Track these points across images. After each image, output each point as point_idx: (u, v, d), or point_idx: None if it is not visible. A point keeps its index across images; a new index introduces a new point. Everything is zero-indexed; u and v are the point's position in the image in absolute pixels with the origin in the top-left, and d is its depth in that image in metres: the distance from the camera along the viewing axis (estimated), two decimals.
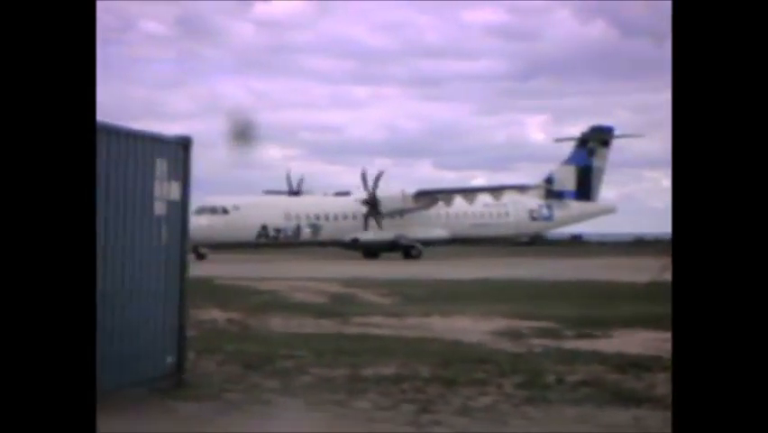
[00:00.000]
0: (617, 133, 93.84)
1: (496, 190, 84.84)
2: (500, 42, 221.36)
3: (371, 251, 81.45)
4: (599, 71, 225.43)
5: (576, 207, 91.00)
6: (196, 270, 26.68)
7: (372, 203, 79.56)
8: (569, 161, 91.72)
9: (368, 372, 18.08)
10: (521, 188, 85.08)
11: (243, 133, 16.71)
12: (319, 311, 30.67)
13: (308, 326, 26.75)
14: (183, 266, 18.26)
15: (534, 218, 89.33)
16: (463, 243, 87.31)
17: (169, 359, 17.09)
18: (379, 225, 79.86)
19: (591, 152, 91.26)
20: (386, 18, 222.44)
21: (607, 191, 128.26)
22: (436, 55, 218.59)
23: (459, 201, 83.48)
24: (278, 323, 27.46)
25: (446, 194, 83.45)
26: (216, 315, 28.76)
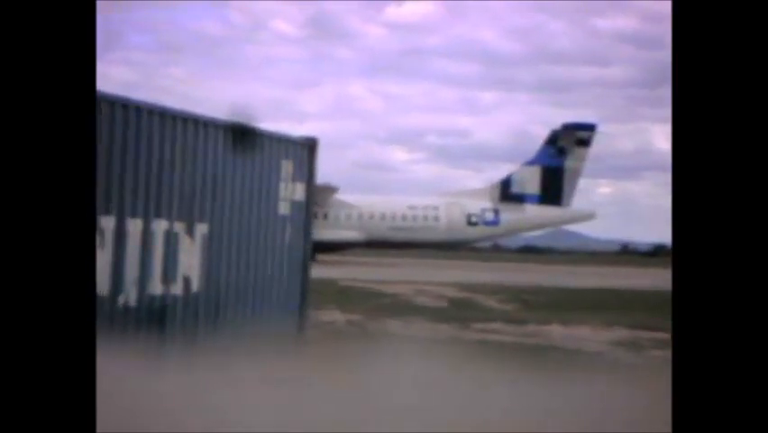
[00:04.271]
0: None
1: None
2: (631, 50, 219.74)
3: None
4: None
5: (535, 211, 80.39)
6: None
7: None
8: (532, 161, 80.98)
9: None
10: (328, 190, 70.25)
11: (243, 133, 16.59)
12: None
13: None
14: (305, 266, 18.47)
15: (471, 223, 79.48)
16: (382, 246, 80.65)
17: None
18: None
19: (562, 152, 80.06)
20: (517, 23, 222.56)
21: None
22: (566, 61, 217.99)
23: (380, 200, 77.58)
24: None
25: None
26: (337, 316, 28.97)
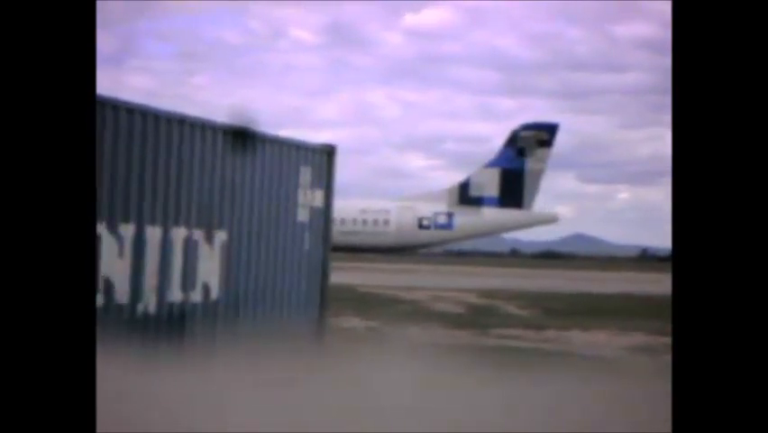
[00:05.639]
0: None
1: None
2: (648, 56, 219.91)
3: None
4: None
5: (492, 214, 77.27)
6: None
7: None
8: (492, 163, 77.92)
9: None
10: None
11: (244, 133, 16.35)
12: None
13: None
14: (324, 272, 18.51)
15: (423, 226, 77.14)
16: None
17: None
18: None
19: (523, 153, 76.83)
20: (536, 30, 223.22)
21: None
22: (584, 68, 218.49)
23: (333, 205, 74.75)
24: None
25: None
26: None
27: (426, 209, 77.33)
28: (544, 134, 77.21)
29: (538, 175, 77.78)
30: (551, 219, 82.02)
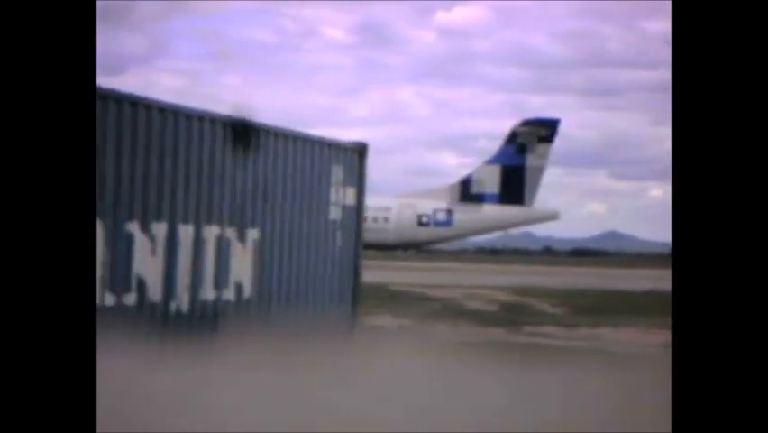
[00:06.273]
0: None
1: None
2: None
3: None
4: None
5: (493, 211, 75.81)
6: None
7: None
8: (493, 159, 76.57)
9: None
10: None
11: (243, 130, 16.14)
12: None
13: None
14: (356, 270, 18.54)
15: (422, 224, 75.58)
16: None
17: None
18: None
19: (523, 149, 75.28)
20: (566, 27, 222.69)
21: None
22: (616, 65, 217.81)
23: None
24: None
25: None
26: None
27: (427, 206, 76.04)
28: (544, 130, 75.62)
29: (539, 171, 76.28)
30: (552, 216, 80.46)
